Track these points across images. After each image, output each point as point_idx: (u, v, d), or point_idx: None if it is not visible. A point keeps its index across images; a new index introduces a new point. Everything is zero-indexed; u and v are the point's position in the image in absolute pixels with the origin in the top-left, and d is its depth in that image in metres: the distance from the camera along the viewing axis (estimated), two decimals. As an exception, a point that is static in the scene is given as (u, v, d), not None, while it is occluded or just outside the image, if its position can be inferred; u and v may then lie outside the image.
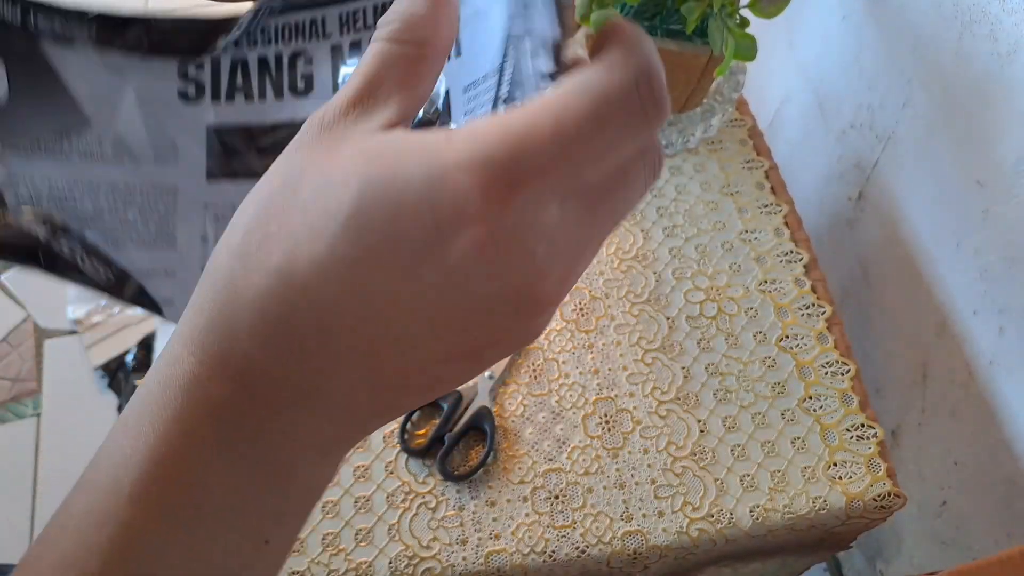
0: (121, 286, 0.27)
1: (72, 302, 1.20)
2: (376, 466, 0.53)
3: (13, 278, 1.26)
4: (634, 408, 0.55)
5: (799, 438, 0.54)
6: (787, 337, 0.58)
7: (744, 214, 0.65)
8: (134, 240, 0.28)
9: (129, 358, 1.15)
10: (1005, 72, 0.53)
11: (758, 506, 0.51)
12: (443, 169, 0.16)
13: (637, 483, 0.52)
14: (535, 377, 0.56)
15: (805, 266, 0.62)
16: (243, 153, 0.27)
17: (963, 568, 0.42)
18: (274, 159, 0.20)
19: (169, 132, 0.27)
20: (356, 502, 0.51)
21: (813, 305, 0.60)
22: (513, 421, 0.55)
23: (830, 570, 0.89)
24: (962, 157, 0.59)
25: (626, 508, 0.51)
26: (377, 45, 0.20)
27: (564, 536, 0.50)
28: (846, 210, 0.78)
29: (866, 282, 0.76)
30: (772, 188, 0.66)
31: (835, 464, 0.53)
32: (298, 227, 0.18)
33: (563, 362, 0.57)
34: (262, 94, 0.27)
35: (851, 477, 0.52)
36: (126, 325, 1.17)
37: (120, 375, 1.14)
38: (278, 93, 0.27)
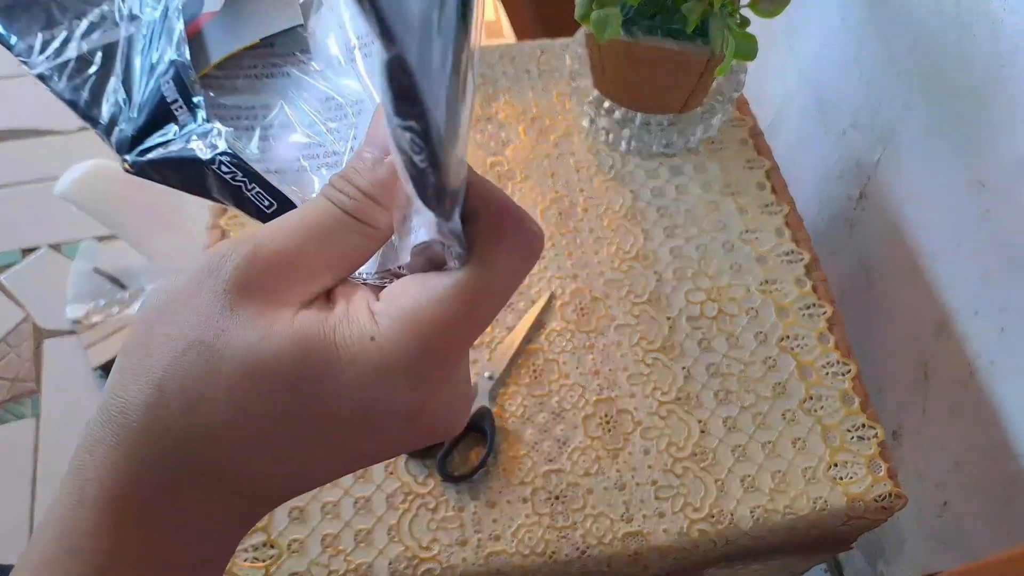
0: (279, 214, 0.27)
1: (71, 302, 1.19)
2: (375, 467, 0.52)
3: (12, 278, 1.25)
4: (635, 409, 0.55)
5: (800, 439, 0.54)
6: (788, 337, 0.58)
7: (745, 214, 0.64)
8: (310, 161, 0.27)
9: (128, 358, 1.15)
10: (1005, 72, 0.52)
11: (759, 507, 0.51)
12: (377, 373, 0.19)
13: (638, 484, 0.52)
14: (535, 378, 0.56)
15: (806, 266, 0.62)
16: None
17: (964, 569, 0.42)
18: None
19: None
20: (356, 503, 0.51)
21: (814, 305, 0.60)
22: (513, 422, 0.54)
23: (831, 570, 0.89)
24: (963, 157, 0.59)
25: (626, 509, 0.51)
26: (323, 204, 0.21)
27: (564, 537, 0.50)
28: (847, 210, 0.78)
29: (867, 282, 0.76)
30: (773, 188, 0.66)
31: (836, 465, 0.53)
32: (222, 406, 0.19)
33: (563, 363, 0.57)
34: None
35: (852, 477, 0.52)
36: (126, 325, 1.17)
37: (119, 375, 1.14)
38: None
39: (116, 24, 0.27)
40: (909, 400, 0.70)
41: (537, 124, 0.70)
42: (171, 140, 0.26)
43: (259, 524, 0.50)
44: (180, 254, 1.11)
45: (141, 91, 0.27)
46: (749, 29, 0.55)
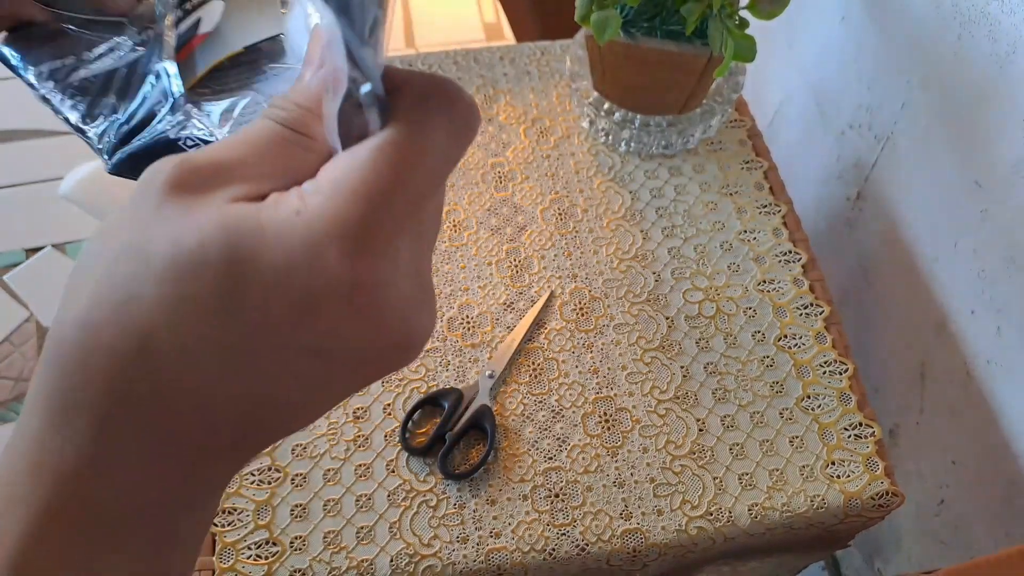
0: None
1: (74, 302, 1.20)
2: (377, 465, 0.53)
3: (16, 278, 1.26)
4: (633, 407, 0.55)
5: (797, 437, 0.54)
6: (785, 337, 0.59)
7: (743, 214, 0.65)
8: None
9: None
10: (1004, 73, 0.53)
11: (757, 504, 0.51)
12: (304, 246, 0.17)
13: (636, 481, 0.52)
14: (535, 376, 0.57)
15: (804, 266, 0.62)
16: None
17: (961, 567, 0.42)
18: None
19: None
20: (357, 500, 0.52)
21: (811, 305, 0.60)
22: (513, 420, 0.55)
23: (828, 568, 0.89)
24: (961, 157, 0.59)
25: (625, 506, 0.51)
26: (261, 121, 0.20)
27: (564, 534, 0.50)
28: (845, 210, 0.78)
29: (865, 282, 0.76)
30: (771, 188, 0.66)
31: (833, 463, 0.53)
32: (153, 305, 0.17)
33: (563, 361, 0.57)
34: None
35: (849, 476, 0.52)
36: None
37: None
38: None
39: (122, 51, 0.28)
40: (906, 399, 0.71)
41: (537, 125, 0.71)
42: (146, 132, 0.27)
43: (261, 522, 0.50)
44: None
45: (133, 103, 0.28)
46: (748, 30, 0.55)
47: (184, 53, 0.27)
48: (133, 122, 0.27)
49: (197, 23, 0.28)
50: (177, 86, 0.27)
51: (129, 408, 0.18)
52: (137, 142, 0.27)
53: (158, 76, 0.28)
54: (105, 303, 0.17)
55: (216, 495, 0.21)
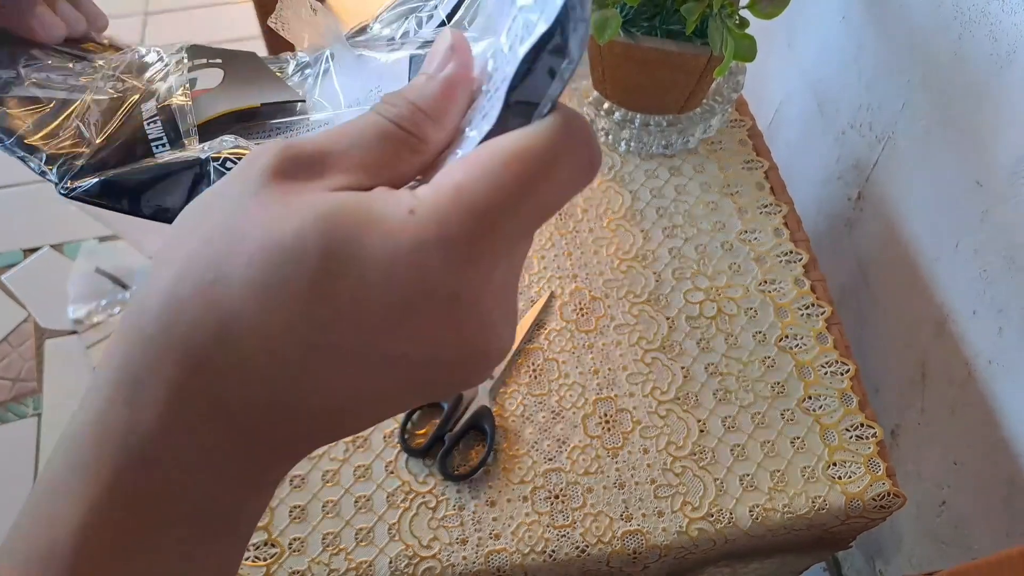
0: None
1: (73, 302, 1.20)
2: (376, 466, 0.53)
3: (14, 278, 1.26)
4: (634, 408, 0.55)
5: (798, 438, 0.54)
6: (786, 337, 0.58)
7: (744, 214, 0.65)
8: None
9: (129, 358, 1.15)
10: (1004, 73, 0.53)
11: (758, 506, 0.51)
12: (413, 247, 0.17)
13: (637, 483, 0.52)
14: (535, 377, 0.57)
15: (804, 266, 0.62)
16: None
17: (962, 568, 0.42)
18: None
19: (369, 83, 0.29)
20: (356, 502, 0.51)
21: (812, 305, 0.60)
22: (513, 421, 0.55)
23: (830, 569, 0.89)
24: (961, 158, 0.59)
25: (626, 508, 0.51)
26: (372, 116, 0.20)
27: (564, 536, 0.50)
28: (845, 210, 0.78)
29: (865, 282, 0.76)
30: (771, 188, 0.66)
31: (834, 464, 0.53)
32: (243, 288, 0.17)
33: (563, 362, 0.57)
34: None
35: (850, 477, 0.52)
36: (126, 325, 1.17)
37: (120, 375, 1.14)
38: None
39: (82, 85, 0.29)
40: (907, 400, 0.70)
41: (537, 124, 0.70)
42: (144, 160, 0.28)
43: (260, 523, 0.50)
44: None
45: (111, 130, 0.28)
46: (748, 30, 0.55)
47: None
48: (109, 151, 0.28)
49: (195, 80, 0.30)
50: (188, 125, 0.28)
51: (203, 380, 0.17)
52: (133, 172, 0.27)
53: (158, 117, 0.28)
54: (191, 280, 0.17)
55: (270, 490, 0.20)
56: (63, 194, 0.27)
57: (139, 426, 0.17)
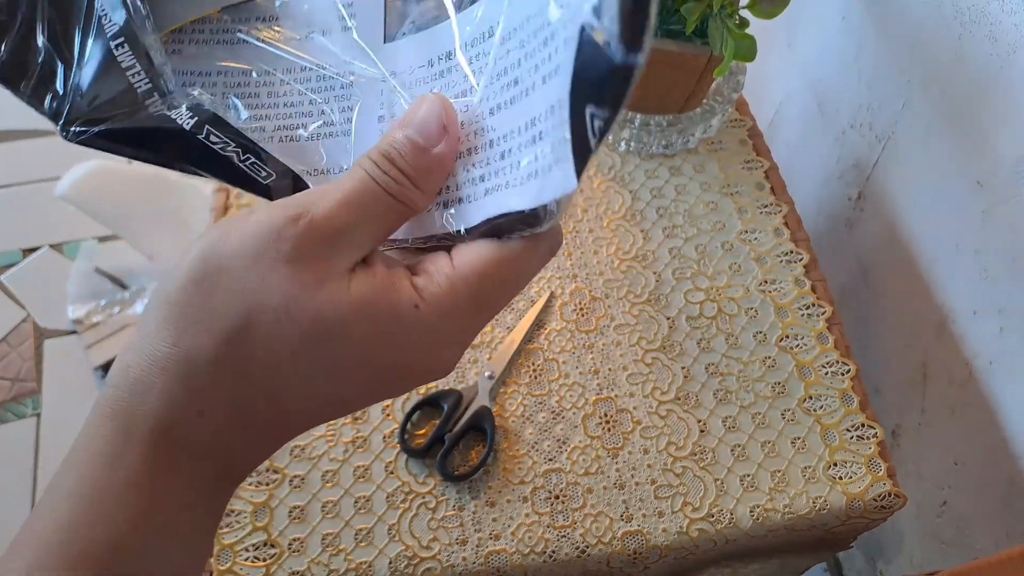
0: (280, 184, 0.26)
1: (72, 302, 1.20)
2: (376, 466, 0.53)
3: (13, 278, 1.26)
4: (634, 408, 0.55)
5: (799, 438, 0.54)
6: (787, 337, 0.58)
7: (744, 214, 0.65)
8: (307, 131, 0.27)
9: (129, 358, 1.15)
10: (1004, 73, 0.53)
11: (758, 506, 0.51)
12: (423, 336, 0.23)
13: (637, 483, 0.52)
14: (535, 377, 0.56)
15: (805, 266, 0.62)
16: None
17: (963, 568, 0.42)
18: None
19: None
20: (356, 502, 0.51)
21: (813, 305, 0.60)
22: (513, 421, 0.55)
23: (830, 570, 0.89)
24: (961, 157, 0.59)
25: (626, 508, 0.51)
26: (366, 181, 0.23)
27: (564, 536, 0.50)
28: (846, 210, 0.78)
29: (866, 282, 0.76)
30: (772, 188, 0.66)
31: (835, 464, 0.53)
32: (287, 372, 0.22)
33: (563, 362, 0.57)
34: None
35: (851, 477, 0.52)
36: (126, 325, 1.17)
37: (120, 375, 1.14)
38: None
39: None
40: (908, 400, 0.70)
41: (537, 124, 0.70)
42: (129, 111, 0.25)
43: (259, 524, 0.50)
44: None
45: (83, 54, 0.25)
46: (748, 30, 0.55)
47: None
48: (88, 84, 0.24)
49: None
50: (171, 81, 0.26)
51: (240, 425, 0.23)
52: (128, 122, 0.25)
53: (122, 35, 0.24)
54: (242, 353, 0.22)
55: (254, 465, 0.25)
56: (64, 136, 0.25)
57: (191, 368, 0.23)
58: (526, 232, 0.23)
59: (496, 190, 0.23)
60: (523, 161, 0.22)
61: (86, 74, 0.25)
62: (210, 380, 0.22)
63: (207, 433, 0.22)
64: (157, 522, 0.22)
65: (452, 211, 0.24)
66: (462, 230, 0.24)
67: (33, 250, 1.29)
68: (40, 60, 0.25)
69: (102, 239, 1.28)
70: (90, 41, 0.25)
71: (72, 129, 0.25)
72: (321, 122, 0.27)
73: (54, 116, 0.25)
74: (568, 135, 0.20)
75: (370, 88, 0.27)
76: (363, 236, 0.23)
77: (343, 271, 0.22)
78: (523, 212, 0.22)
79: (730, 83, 0.65)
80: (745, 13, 0.56)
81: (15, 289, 1.24)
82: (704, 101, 0.65)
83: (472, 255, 0.23)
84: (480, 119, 0.24)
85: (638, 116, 0.64)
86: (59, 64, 0.25)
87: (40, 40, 0.25)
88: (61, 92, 0.25)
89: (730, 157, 0.68)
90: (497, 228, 0.23)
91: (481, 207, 0.23)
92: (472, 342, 0.26)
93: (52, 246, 1.29)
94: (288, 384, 0.22)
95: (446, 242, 0.25)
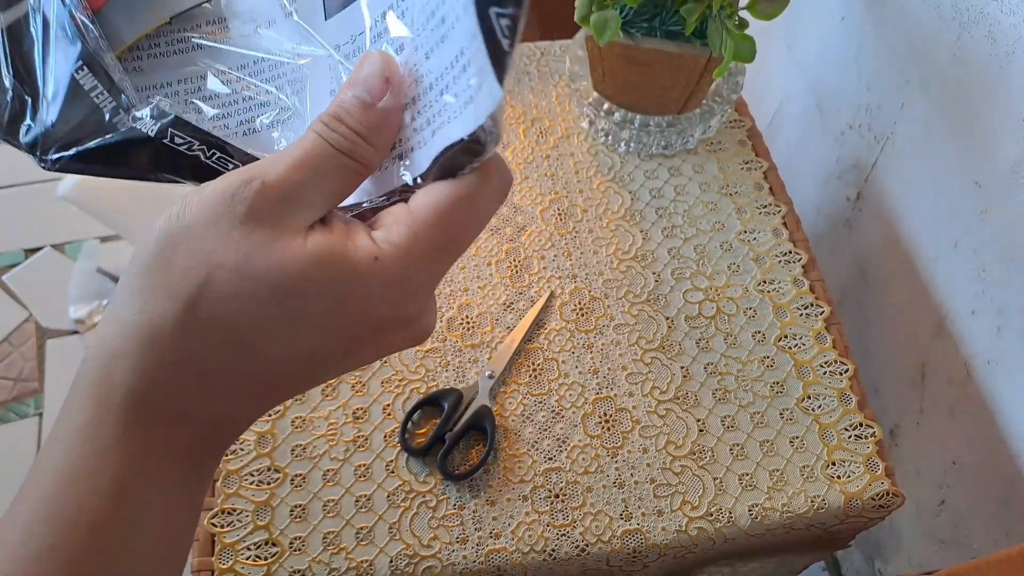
0: None
1: (74, 302, 1.20)
2: (377, 465, 0.53)
3: (15, 278, 1.26)
4: (633, 407, 0.55)
5: (798, 437, 0.54)
6: (786, 337, 0.59)
7: (743, 214, 0.65)
8: (266, 120, 0.28)
9: (130, 358, 1.15)
10: (1003, 73, 0.53)
11: (757, 505, 0.51)
12: (384, 288, 0.23)
13: (636, 482, 0.52)
14: (535, 377, 0.57)
15: (803, 266, 0.62)
16: None
17: (961, 567, 0.42)
18: None
19: None
20: (357, 501, 0.51)
21: (812, 305, 0.60)
22: (513, 420, 0.55)
23: (829, 569, 0.89)
24: (960, 158, 0.59)
25: (625, 507, 0.51)
26: (317, 142, 0.23)
27: (564, 535, 0.50)
28: (844, 210, 0.78)
29: (864, 282, 0.76)
30: (771, 188, 0.66)
31: (833, 463, 0.53)
32: (263, 318, 0.22)
33: (563, 362, 0.57)
34: None
35: (849, 476, 0.52)
36: (127, 325, 1.17)
37: (121, 375, 1.14)
38: None
39: None
40: (906, 399, 0.71)
41: (537, 126, 0.71)
42: (98, 131, 0.26)
43: (260, 522, 0.50)
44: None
45: (46, 83, 0.26)
46: (748, 31, 0.55)
47: (95, 3, 0.26)
48: (56, 113, 0.25)
49: None
50: (134, 96, 0.26)
51: (217, 384, 0.23)
52: (98, 141, 0.25)
53: (80, 59, 0.25)
54: (206, 314, 0.22)
55: (240, 430, 0.26)
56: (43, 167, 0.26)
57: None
58: (475, 162, 0.23)
59: (441, 129, 0.23)
60: (459, 91, 0.22)
61: (54, 103, 0.26)
62: (175, 344, 0.22)
63: (179, 397, 0.23)
64: (135, 490, 0.22)
65: (407, 162, 0.25)
66: (417, 179, 0.24)
67: (35, 250, 1.29)
68: (9, 99, 0.26)
69: (104, 239, 1.28)
70: (51, 71, 0.26)
71: (48, 158, 0.26)
72: (279, 109, 0.28)
73: (30, 148, 0.26)
74: (483, 45, 0.20)
75: (318, 66, 0.28)
76: (318, 195, 0.23)
77: (299, 228, 0.22)
78: (464, 140, 0.22)
79: (729, 84, 0.65)
80: (744, 14, 0.56)
81: (17, 289, 1.25)
82: (703, 102, 0.65)
83: (426, 199, 0.23)
84: (419, 65, 0.24)
85: (637, 117, 0.64)
86: (27, 98, 0.26)
87: (7, 80, 0.26)
88: (32, 124, 0.26)
89: (729, 157, 0.68)
90: (447, 168, 0.23)
91: (430, 150, 0.24)
92: (436, 288, 0.26)
93: (54, 246, 1.29)
94: (256, 341, 0.22)
95: (407, 195, 0.25)
